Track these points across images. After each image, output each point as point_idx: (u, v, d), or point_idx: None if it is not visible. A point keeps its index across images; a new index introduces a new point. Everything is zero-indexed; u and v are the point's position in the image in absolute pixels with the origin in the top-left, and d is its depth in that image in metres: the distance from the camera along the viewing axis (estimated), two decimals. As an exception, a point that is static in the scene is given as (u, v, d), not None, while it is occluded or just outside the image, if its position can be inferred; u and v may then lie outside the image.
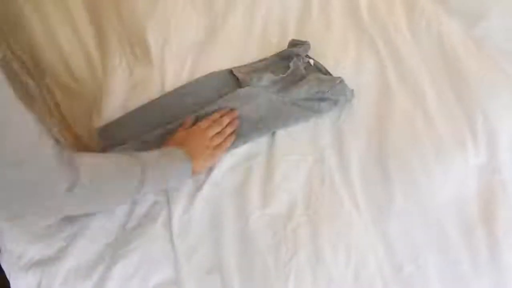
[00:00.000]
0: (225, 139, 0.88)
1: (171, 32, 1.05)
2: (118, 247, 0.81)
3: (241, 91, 0.95)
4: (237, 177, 0.88)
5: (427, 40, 1.06)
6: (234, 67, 1.01)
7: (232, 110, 0.92)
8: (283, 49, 1.04)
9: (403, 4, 1.14)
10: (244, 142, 0.91)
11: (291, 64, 1.00)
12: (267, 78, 0.97)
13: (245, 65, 1.02)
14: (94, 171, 0.62)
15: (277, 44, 1.06)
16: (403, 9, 1.13)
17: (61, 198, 0.56)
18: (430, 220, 0.81)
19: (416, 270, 0.76)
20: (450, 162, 0.86)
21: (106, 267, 0.79)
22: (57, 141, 0.78)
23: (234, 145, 0.90)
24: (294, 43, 1.03)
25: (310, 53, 1.03)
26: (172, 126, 0.91)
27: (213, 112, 0.92)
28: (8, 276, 0.81)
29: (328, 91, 0.93)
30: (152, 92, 0.98)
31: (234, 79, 0.99)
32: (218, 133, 0.88)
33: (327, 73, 1.00)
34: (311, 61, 1.01)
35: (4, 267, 0.82)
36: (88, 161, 0.62)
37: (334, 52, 1.05)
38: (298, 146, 0.91)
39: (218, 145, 0.87)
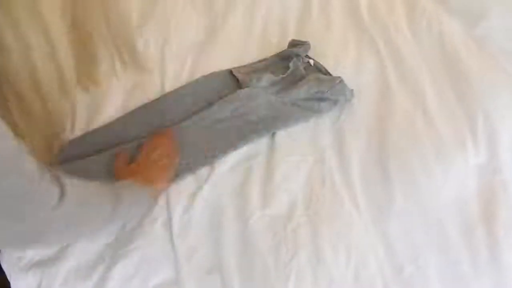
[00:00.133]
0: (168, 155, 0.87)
1: (171, 32, 1.05)
2: (118, 247, 0.81)
3: (241, 92, 0.95)
4: (237, 177, 0.88)
5: (427, 40, 1.06)
6: (234, 68, 1.01)
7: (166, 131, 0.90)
8: (283, 49, 1.04)
9: (404, 3, 1.14)
10: (244, 143, 0.90)
11: (290, 65, 1.00)
12: (267, 78, 0.97)
13: (244, 66, 1.02)
14: (80, 190, 0.62)
15: (277, 44, 1.06)
16: (404, 8, 1.13)
17: (48, 213, 0.55)
18: (430, 220, 0.81)
19: (416, 270, 0.76)
20: (450, 162, 0.86)
21: (106, 268, 0.79)
22: None
23: (234, 146, 0.90)
24: (294, 43, 1.03)
25: (310, 53, 1.03)
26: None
27: (211, 111, 0.93)
28: (8, 277, 0.81)
29: (327, 91, 0.93)
30: (152, 92, 0.98)
31: (234, 79, 0.99)
32: (164, 154, 0.87)
33: (327, 73, 1.00)
34: (311, 61, 1.01)
35: (4, 268, 0.82)
36: (74, 181, 0.61)
37: (334, 52, 1.05)
38: (298, 146, 0.91)
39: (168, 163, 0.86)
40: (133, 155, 0.87)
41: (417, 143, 0.89)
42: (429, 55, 1.03)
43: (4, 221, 0.51)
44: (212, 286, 0.78)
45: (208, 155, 0.89)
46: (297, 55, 1.01)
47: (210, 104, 0.94)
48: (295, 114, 0.93)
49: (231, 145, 0.90)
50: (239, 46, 1.05)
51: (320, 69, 1.01)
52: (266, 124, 0.92)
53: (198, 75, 1.01)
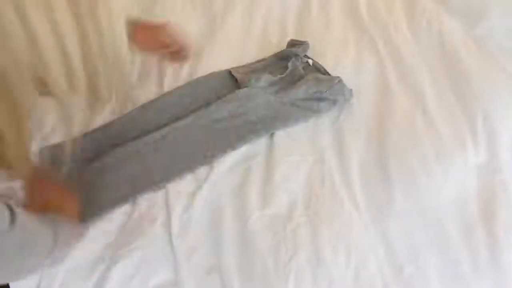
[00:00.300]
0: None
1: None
2: (118, 248, 0.81)
3: (240, 92, 0.95)
4: (237, 177, 0.88)
5: (427, 39, 1.06)
6: (233, 68, 1.01)
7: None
8: (283, 49, 1.04)
9: (403, 3, 1.14)
10: (243, 143, 0.90)
11: (289, 65, 0.99)
12: (266, 78, 0.97)
13: (243, 66, 1.02)
14: (27, 218, 0.61)
15: (276, 44, 1.06)
16: (403, 8, 1.13)
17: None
18: (430, 220, 0.80)
19: (416, 270, 0.76)
20: (450, 162, 0.86)
21: (105, 268, 0.79)
22: None
23: (233, 146, 0.90)
24: (293, 43, 1.03)
25: (309, 53, 1.03)
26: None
27: (210, 111, 0.93)
28: (8, 277, 0.81)
29: (326, 91, 0.93)
30: (150, 92, 0.98)
31: (232, 79, 0.99)
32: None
33: (325, 73, 1.00)
34: (310, 61, 1.01)
35: (4, 268, 0.82)
36: (21, 211, 0.61)
37: (334, 52, 1.05)
38: (297, 146, 0.91)
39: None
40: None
41: (417, 143, 0.89)
42: (429, 54, 1.03)
43: None
44: (212, 286, 0.77)
45: (207, 154, 0.89)
46: (296, 55, 1.01)
47: (208, 104, 0.94)
48: (294, 114, 0.93)
49: (230, 145, 0.90)
50: (238, 46, 1.05)
51: (319, 69, 1.01)
52: (265, 124, 0.92)
53: (197, 75, 1.01)
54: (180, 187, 0.87)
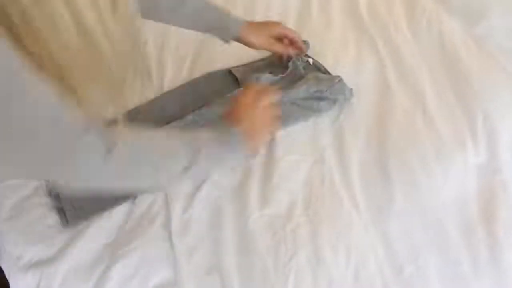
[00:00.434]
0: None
1: (170, 31, 1.05)
2: (118, 247, 0.81)
3: (240, 91, 0.95)
4: (237, 177, 0.88)
5: (427, 39, 1.06)
6: (233, 67, 1.01)
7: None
8: (283, 48, 1.03)
9: (403, 3, 1.14)
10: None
11: (290, 64, 0.99)
12: (266, 78, 0.97)
13: (244, 65, 1.02)
14: (135, 149, 0.61)
15: (277, 43, 1.05)
16: (403, 8, 1.13)
17: (98, 166, 0.55)
18: (430, 220, 0.80)
19: (416, 270, 0.76)
20: (450, 162, 0.86)
21: (105, 268, 0.79)
22: None
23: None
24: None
25: (309, 53, 1.03)
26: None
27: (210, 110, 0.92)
28: (7, 277, 0.81)
29: (326, 90, 0.93)
30: (151, 92, 0.98)
31: (233, 78, 0.99)
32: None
33: (326, 72, 1.00)
34: (310, 60, 1.01)
35: (3, 268, 0.82)
36: (129, 135, 0.61)
37: (334, 51, 1.05)
38: (297, 146, 0.91)
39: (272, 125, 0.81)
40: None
41: (416, 143, 0.89)
42: (429, 54, 1.03)
43: (49, 171, 0.54)
44: (212, 286, 0.77)
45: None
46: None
47: (209, 103, 0.94)
48: (295, 114, 0.93)
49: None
50: (238, 45, 1.04)
51: (319, 68, 1.01)
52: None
53: (197, 74, 1.01)
54: (180, 187, 0.87)
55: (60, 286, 0.78)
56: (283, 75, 0.99)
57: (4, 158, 0.50)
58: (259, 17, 1.13)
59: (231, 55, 1.03)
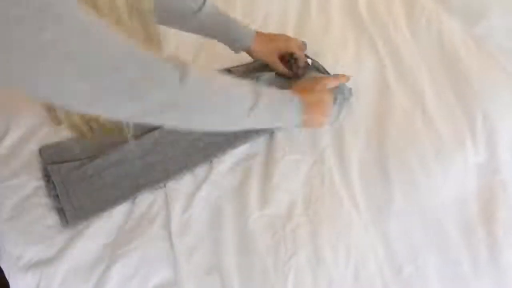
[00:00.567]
0: None
1: (169, 31, 1.05)
2: (117, 248, 0.81)
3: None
4: (236, 177, 0.88)
5: (427, 39, 1.06)
6: (232, 67, 1.01)
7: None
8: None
9: (403, 2, 1.14)
10: (243, 142, 0.90)
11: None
12: (265, 77, 0.96)
13: (243, 65, 1.02)
14: (204, 75, 0.64)
15: (276, 43, 1.05)
16: (403, 7, 1.13)
17: (174, 89, 0.58)
18: (430, 220, 0.80)
19: (415, 270, 0.76)
20: (449, 162, 0.86)
21: (105, 268, 0.79)
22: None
23: (233, 145, 0.90)
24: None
25: (309, 52, 1.03)
26: None
27: None
28: (7, 277, 0.81)
29: None
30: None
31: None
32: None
33: (325, 72, 1.00)
34: (309, 61, 1.01)
35: (3, 268, 0.82)
36: (199, 69, 0.63)
37: (333, 51, 1.05)
38: (297, 146, 0.91)
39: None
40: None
41: (416, 143, 0.89)
42: (429, 54, 1.03)
43: (132, 107, 0.56)
44: (212, 286, 0.77)
45: (207, 153, 0.89)
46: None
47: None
48: None
49: (230, 144, 0.90)
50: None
51: (318, 68, 1.01)
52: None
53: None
54: (180, 187, 0.87)
55: (60, 286, 0.78)
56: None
57: (89, 94, 0.52)
58: (259, 17, 1.13)
59: (230, 55, 1.03)
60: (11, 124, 0.95)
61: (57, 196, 0.85)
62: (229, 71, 1.01)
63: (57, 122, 0.93)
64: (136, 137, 0.90)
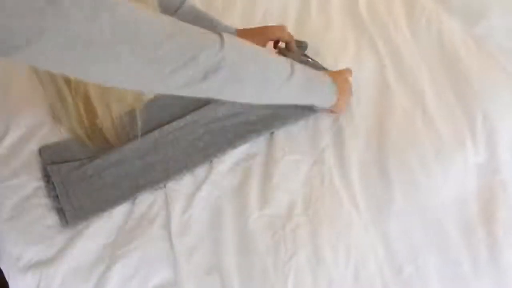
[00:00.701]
0: None
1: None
2: (117, 248, 0.81)
3: None
4: (236, 177, 0.88)
5: (427, 39, 1.06)
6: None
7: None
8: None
9: (403, 2, 1.14)
10: (243, 142, 0.90)
11: None
12: None
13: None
14: (240, 44, 0.67)
15: (276, 43, 1.05)
16: (403, 7, 1.13)
17: (217, 52, 0.61)
18: (430, 220, 0.80)
19: (415, 270, 0.76)
20: (450, 162, 0.86)
21: (105, 268, 0.79)
22: None
23: (233, 145, 0.90)
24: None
25: (309, 52, 1.03)
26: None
27: (209, 109, 0.93)
28: (7, 277, 0.81)
29: None
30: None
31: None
32: None
33: (326, 72, 0.99)
34: (310, 60, 1.01)
35: (3, 268, 0.82)
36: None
37: (333, 51, 1.05)
38: (297, 146, 0.91)
39: None
40: None
41: (416, 143, 0.89)
42: (429, 54, 1.03)
43: (181, 77, 0.59)
44: (212, 286, 0.77)
45: (207, 153, 0.89)
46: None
47: (208, 102, 0.94)
48: (294, 112, 0.93)
49: (230, 144, 0.90)
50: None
51: (318, 68, 1.00)
52: (265, 123, 0.92)
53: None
54: (179, 187, 0.87)
55: (60, 287, 0.78)
56: None
57: (144, 71, 0.56)
58: (259, 17, 1.13)
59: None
60: (11, 124, 0.95)
61: (57, 196, 0.85)
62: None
63: (59, 122, 0.93)
64: (136, 137, 0.90)
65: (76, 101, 0.83)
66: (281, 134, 0.92)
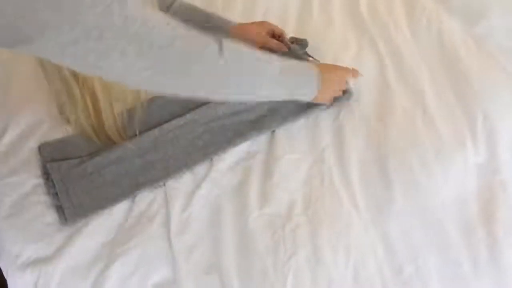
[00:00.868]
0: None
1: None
2: (116, 246, 0.80)
3: None
4: (236, 176, 0.88)
5: (427, 38, 1.06)
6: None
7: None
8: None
9: (403, 2, 1.14)
10: (244, 140, 0.90)
11: None
12: None
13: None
14: (235, 46, 0.70)
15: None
16: (403, 7, 1.13)
17: (213, 60, 0.65)
18: (430, 220, 0.80)
19: (415, 271, 0.76)
20: (450, 162, 0.86)
21: (104, 266, 0.79)
22: None
23: (233, 143, 0.89)
24: (292, 41, 1.02)
25: (310, 51, 1.03)
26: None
27: (210, 108, 0.93)
28: (5, 275, 0.80)
29: None
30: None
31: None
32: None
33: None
34: (310, 59, 1.01)
35: (2, 266, 0.82)
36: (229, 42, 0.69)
37: (334, 51, 1.05)
38: (297, 145, 0.90)
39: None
40: None
41: (416, 143, 0.89)
42: (429, 54, 1.03)
43: (180, 79, 0.64)
44: (211, 285, 0.77)
45: (208, 151, 0.89)
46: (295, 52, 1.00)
47: (209, 102, 0.94)
48: (294, 111, 0.93)
49: (231, 142, 0.89)
50: (238, 44, 1.05)
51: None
52: (265, 122, 0.92)
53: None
54: (179, 185, 0.87)
55: (59, 285, 0.77)
56: None
57: (147, 70, 0.59)
58: (259, 17, 1.13)
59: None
60: (11, 122, 0.95)
61: (56, 193, 0.85)
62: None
63: (65, 117, 0.93)
64: (135, 136, 0.90)
65: (84, 95, 0.84)
66: (281, 133, 0.92)
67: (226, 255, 0.79)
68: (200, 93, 0.71)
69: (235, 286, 0.76)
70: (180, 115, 0.92)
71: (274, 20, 1.11)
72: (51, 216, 0.84)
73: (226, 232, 0.81)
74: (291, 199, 0.84)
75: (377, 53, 1.04)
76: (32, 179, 0.88)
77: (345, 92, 0.94)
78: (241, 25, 0.98)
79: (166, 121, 0.91)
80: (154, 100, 0.95)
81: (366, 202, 0.83)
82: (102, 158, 0.87)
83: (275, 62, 0.77)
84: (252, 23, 1.00)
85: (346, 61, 1.03)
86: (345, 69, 0.93)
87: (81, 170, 0.86)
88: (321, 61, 1.01)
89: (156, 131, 0.90)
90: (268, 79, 0.76)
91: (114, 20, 0.50)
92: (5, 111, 0.96)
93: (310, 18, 1.13)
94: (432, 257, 0.77)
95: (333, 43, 1.07)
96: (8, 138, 0.93)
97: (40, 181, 0.87)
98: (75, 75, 0.81)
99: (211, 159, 0.89)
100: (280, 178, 0.86)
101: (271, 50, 0.98)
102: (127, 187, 0.85)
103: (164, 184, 0.87)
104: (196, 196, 0.85)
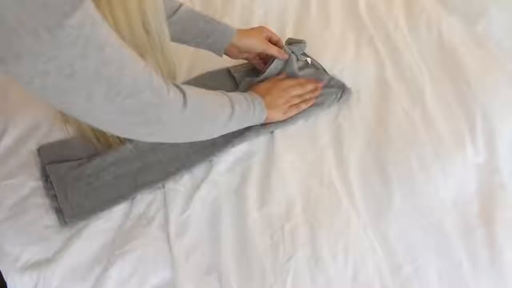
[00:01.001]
0: (303, 101, 0.93)
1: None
2: (115, 248, 0.80)
3: (239, 90, 0.95)
4: (235, 176, 0.88)
5: (426, 38, 1.06)
6: (231, 66, 1.01)
7: (316, 79, 0.97)
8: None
9: (403, 2, 1.14)
10: (242, 141, 0.90)
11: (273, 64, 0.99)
12: (264, 77, 0.96)
13: (241, 64, 1.02)
14: (198, 94, 0.74)
15: (275, 42, 1.05)
16: (403, 7, 1.13)
17: (176, 116, 0.68)
18: (429, 220, 0.80)
19: (414, 271, 0.76)
20: (449, 162, 0.85)
21: (103, 269, 0.78)
22: None
23: (232, 143, 0.89)
24: (290, 42, 1.02)
25: (309, 52, 1.03)
26: None
27: None
28: (5, 278, 0.80)
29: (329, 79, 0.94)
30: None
31: (231, 78, 0.99)
32: (299, 95, 0.93)
33: (324, 72, 0.99)
34: (309, 60, 1.01)
35: (1, 268, 0.81)
36: (191, 88, 0.72)
37: (333, 51, 1.05)
38: (296, 145, 0.90)
39: (295, 105, 0.92)
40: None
41: (415, 142, 0.89)
42: (428, 53, 1.03)
43: (141, 128, 0.65)
44: (210, 286, 0.77)
45: (207, 152, 0.89)
46: (293, 53, 1.00)
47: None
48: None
49: (230, 143, 0.89)
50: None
51: (317, 68, 1.01)
52: (264, 123, 0.92)
53: (195, 74, 1.01)
54: (178, 187, 0.87)
55: (58, 287, 0.77)
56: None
57: (111, 115, 0.59)
58: (258, 17, 1.13)
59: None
60: (9, 124, 0.95)
61: (55, 196, 0.85)
62: (228, 71, 1.01)
63: (66, 120, 0.93)
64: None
65: None
66: (280, 134, 0.92)
67: (225, 256, 0.79)
68: (162, 140, 0.77)
69: (234, 287, 0.76)
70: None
71: (273, 20, 1.11)
72: (50, 218, 0.84)
73: (225, 233, 0.81)
74: (290, 199, 0.84)
75: (377, 53, 1.04)
76: (31, 181, 0.87)
77: (343, 92, 0.94)
78: (242, 31, 0.96)
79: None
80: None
81: (365, 202, 0.83)
82: (101, 160, 0.87)
83: (226, 110, 0.79)
84: (252, 29, 0.99)
85: (345, 61, 1.03)
86: (289, 86, 0.94)
87: (80, 172, 0.86)
88: (320, 62, 1.01)
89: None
90: (222, 125, 0.81)
91: (88, 64, 0.50)
92: (4, 113, 0.96)
93: (309, 18, 1.13)
94: (431, 257, 0.77)
95: (332, 43, 1.07)
96: (7, 140, 0.93)
97: (39, 183, 0.87)
98: None
99: (210, 161, 0.89)
100: (279, 178, 0.86)
101: (272, 56, 0.97)
102: (126, 189, 0.85)
103: (163, 186, 0.87)
104: (195, 197, 0.85)
